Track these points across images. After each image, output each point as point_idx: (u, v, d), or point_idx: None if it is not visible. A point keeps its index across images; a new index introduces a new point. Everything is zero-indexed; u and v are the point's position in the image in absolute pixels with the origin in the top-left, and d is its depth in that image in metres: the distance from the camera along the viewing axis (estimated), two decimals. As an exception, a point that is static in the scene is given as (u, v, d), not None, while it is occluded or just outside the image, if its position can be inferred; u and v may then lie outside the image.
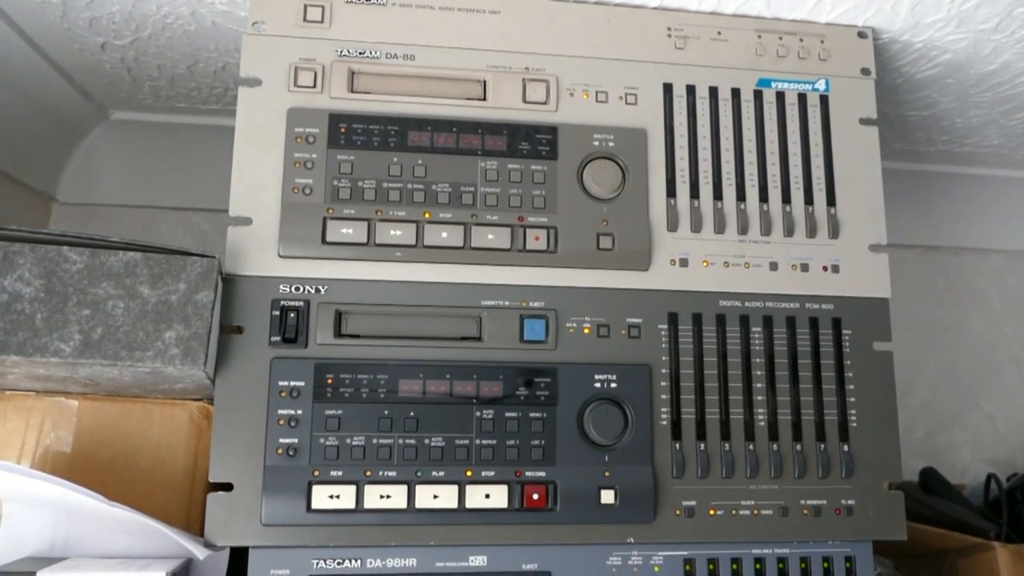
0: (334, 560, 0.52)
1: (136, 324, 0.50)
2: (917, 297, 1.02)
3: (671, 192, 0.60)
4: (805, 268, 0.60)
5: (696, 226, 0.60)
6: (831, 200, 0.62)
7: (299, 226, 0.55)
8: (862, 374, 0.59)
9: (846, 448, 0.58)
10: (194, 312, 0.50)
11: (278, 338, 0.54)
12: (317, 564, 0.52)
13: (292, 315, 0.54)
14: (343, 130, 0.57)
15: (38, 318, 0.49)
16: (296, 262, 0.55)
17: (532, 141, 0.59)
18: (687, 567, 0.55)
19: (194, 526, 0.55)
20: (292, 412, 0.53)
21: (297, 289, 0.55)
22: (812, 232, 0.61)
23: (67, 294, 0.49)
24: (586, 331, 0.57)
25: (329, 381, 0.53)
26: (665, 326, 0.58)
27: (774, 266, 0.60)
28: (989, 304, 1.04)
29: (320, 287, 0.55)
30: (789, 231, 0.61)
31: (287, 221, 0.55)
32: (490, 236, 0.56)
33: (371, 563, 0.52)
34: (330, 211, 0.56)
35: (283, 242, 0.55)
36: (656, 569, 0.55)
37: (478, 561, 0.53)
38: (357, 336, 0.55)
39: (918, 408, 0.99)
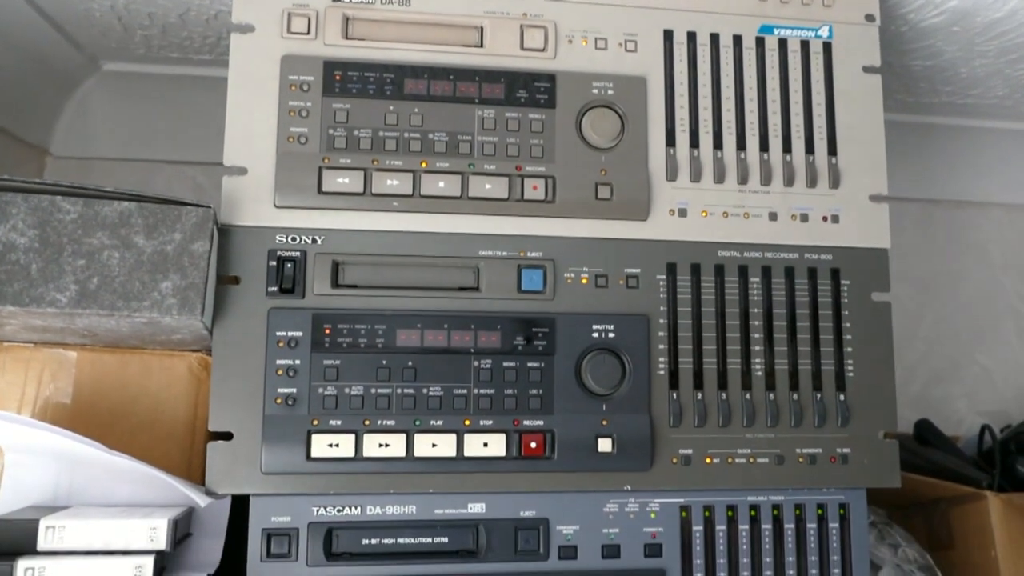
0: (334, 507, 0.53)
1: (132, 274, 0.49)
2: (917, 251, 1.02)
3: (670, 141, 0.59)
4: (805, 218, 0.60)
5: (695, 176, 0.59)
6: (832, 149, 0.61)
7: (295, 175, 0.54)
8: (860, 324, 0.59)
9: (842, 398, 0.58)
10: (190, 262, 0.50)
11: (275, 288, 0.54)
12: (317, 511, 0.53)
13: (289, 265, 0.54)
14: (338, 78, 0.56)
15: (33, 268, 0.48)
16: (292, 212, 0.55)
17: (530, 89, 0.58)
18: (683, 514, 0.56)
19: (195, 476, 0.56)
20: (290, 362, 0.53)
21: (294, 239, 0.54)
22: (812, 182, 0.60)
23: (62, 244, 0.49)
24: (584, 281, 0.57)
25: (327, 331, 0.53)
26: (663, 276, 0.57)
27: (773, 216, 0.60)
28: (989, 258, 1.04)
29: (317, 237, 0.55)
30: (789, 181, 0.60)
31: (283, 171, 0.54)
32: (488, 186, 0.56)
33: (371, 510, 0.53)
34: (326, 160, 0.55)
35: (279, 192, 0.54)
36: (652, 516, 0.56)
37: (477, 508, 0.54)
38: (354, 286, 0.54)
39: (915, 361, 1.00)
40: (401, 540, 0.53)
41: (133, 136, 0.88)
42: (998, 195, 1.05)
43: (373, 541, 0.53)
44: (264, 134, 0.55)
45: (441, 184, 0.55)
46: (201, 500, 0.50)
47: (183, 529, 0.51)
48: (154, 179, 0.88)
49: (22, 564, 0.45)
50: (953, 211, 1.04)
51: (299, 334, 0.53)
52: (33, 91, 0.83)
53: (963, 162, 1.03)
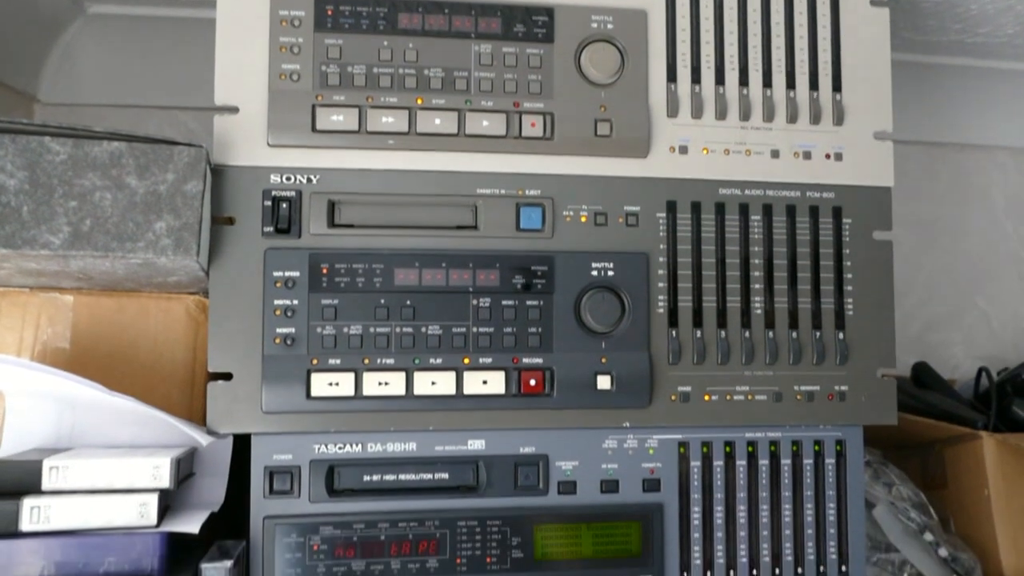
0: (335, 445, 0.53)
1: (125, 215, 0.49)
2: (919, 194, 1.01)
3: (671, 77, 0.58)
4: (807, 156, 0.59)
5: (697, 112, 0.58)
6: (837, 86, 0.60)
7: (288, 114, 0.53)
8: (861, 263, 0.59)
9: (841, 336, 0.58)
10: (183, 202, 0.49)
11: (271, 229, 0.53)
12: (319, 449, 0.53)
13: (284, 205, 0.53)
14: (330, 12, 0.55)
15: (24, 210, 0.48)
16: (286, 151, 0.54)
17: (528, 23, 0.56)
18: (681, 450, 0.56)
19: (196, 418, 0.56)
20: (288, 302, 0.53)
21: (288, 179, 0.54)
22: (816, 119, 0.59)
23: (52, 186, 0.48)
24: (583, 219, 0.56)
25: (324, 271, 0.53)
26: (663, 214, 0.57)
27: (776, 153, 0.59)
28: (992, 202, 1.03)
29: (312, 176, 0.54)
30: (792, 117, 0.59)
31: (275, 109, 0.53)
32: (485, 123, 0.55)
33: (372, 447, 0.53)
34: (319, 98, 0.54)
35: (272, 131, 0.53)
36: (651, 451, 0.56)
37: (477, 445, 0.54)
38: (351, 226, 0.54)
39: (915, 305, 1.00)
40: (402, 476, 0.53)
41: (122, 81, 0.86)
42: (1003, 138, 1.03)
43: (374, 478, 0.53)
44: (255, 71, 0.54)
45: (437, 121, 0.54)
46: (203, 440, 0.50)
47: (186, 468, 0.51)
48: (145, 125, 0.87)
49: (28, 503, 0.45)
50: (957, 154, 1.03)
51: (296, 274, 0.53)
52: (18, 35, 0.81)
53: (968, 104, 1.02)
